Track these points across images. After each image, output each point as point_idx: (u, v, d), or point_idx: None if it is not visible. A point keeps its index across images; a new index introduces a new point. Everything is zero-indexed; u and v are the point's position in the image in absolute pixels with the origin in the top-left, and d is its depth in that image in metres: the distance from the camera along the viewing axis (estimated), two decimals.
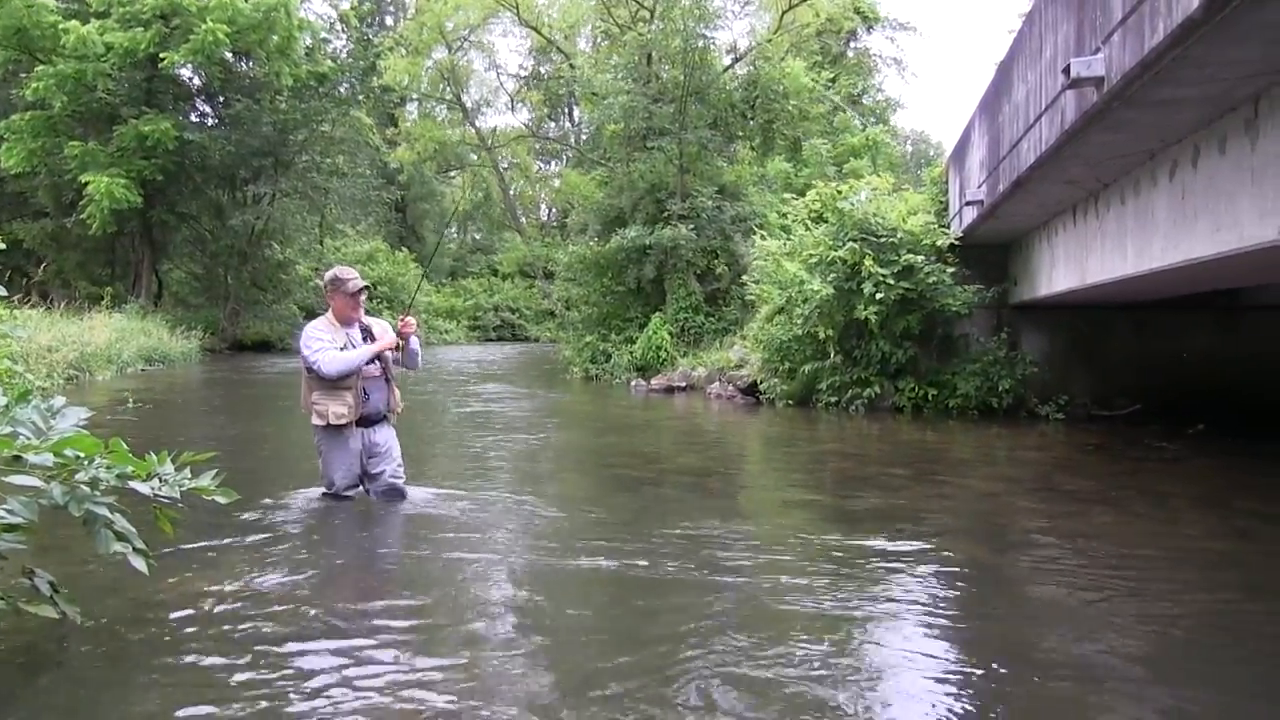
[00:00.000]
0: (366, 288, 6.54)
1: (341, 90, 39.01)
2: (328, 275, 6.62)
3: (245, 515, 6.22)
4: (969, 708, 3.54)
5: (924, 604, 4.74)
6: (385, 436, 6.68)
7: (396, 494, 6.68)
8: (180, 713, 3.34)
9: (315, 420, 6.41)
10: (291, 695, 3.47)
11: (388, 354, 6.55)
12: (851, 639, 4.26)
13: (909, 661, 3.97)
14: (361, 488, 6.67)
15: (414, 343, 6.68)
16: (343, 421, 6.33)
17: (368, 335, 6.55)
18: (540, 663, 3.87)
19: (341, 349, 6.34)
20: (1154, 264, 8.40)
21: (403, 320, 6.57)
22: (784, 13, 29.73)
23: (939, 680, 3.78)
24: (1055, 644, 4.18)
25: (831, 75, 32.53)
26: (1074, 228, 10.80)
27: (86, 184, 28.64)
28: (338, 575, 5.12)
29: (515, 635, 4.21)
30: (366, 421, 6.55)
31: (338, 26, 45.76)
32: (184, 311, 32.76)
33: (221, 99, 34.61)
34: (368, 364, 6.41)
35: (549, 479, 9.16)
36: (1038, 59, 8.16)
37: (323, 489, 6.67)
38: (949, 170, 14.84)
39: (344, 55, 43.08)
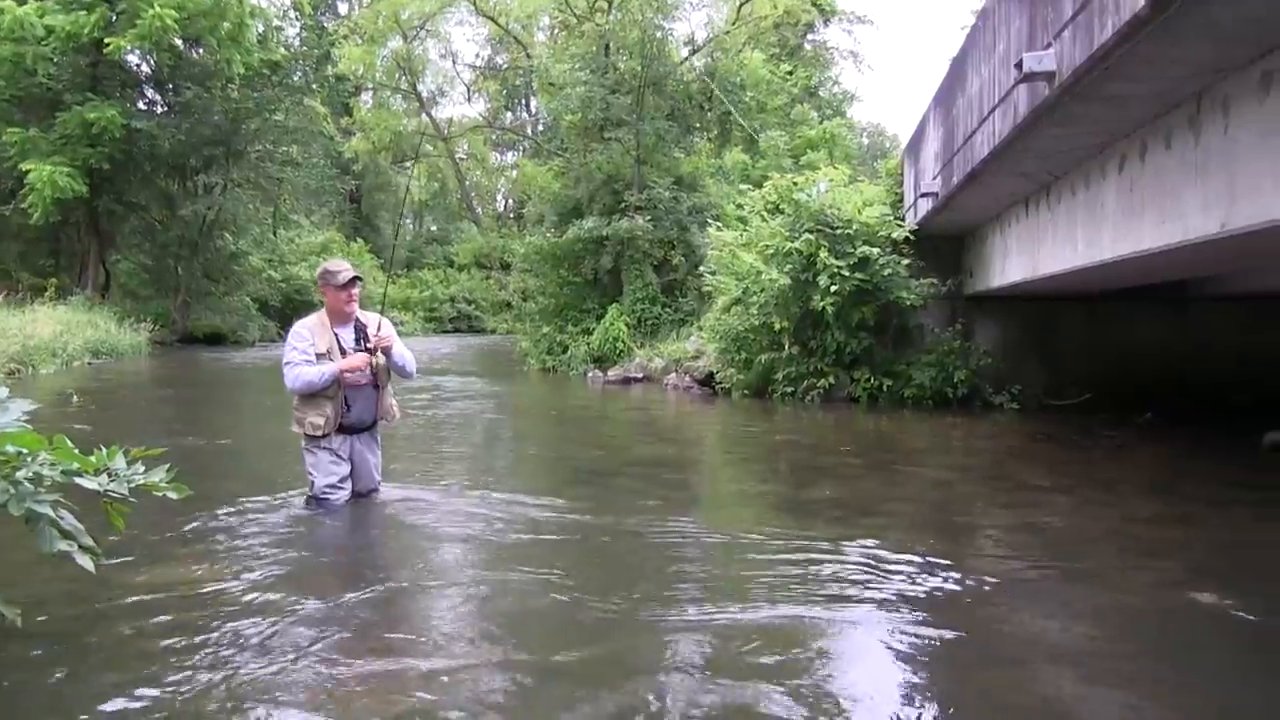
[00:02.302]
0: (358, 278, 6.11)
1: (295, 79, 38.65)
2: (318, 270, 6.30)
3: (197, 512, 6.12)
4: (922, 694, 3.57)
5: (877, 592, 4.76)
6: (367, 448, 6.35)
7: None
8: (123, 714, 3.29)
9: (294, 427, 6.15)
10: (241, 695, 3.43)
11: (383, 359, 6.11)
12: (805, 628, 4.28)
13: (862, 649, 4.00)
14: (345, 494, 6.21)
15: (396, 353, 6.17)
16: (318, 432, 6.04)
17: (362, 334, 6.15)
18: (492, 659, 3.85)
19: (322, 354, 5.97)
20: (1104, 255, 8.51)
21: (375, 336, 6.09)
22: (741, 5, 29.84)
23: (890, 667, 3.82)
24: (1007, 629, 4.23)
25: (789, 68, 32.63)
26: (1026, 219, 10.91)
27: (27, 172, 27.94)
28: (289, 573, 5.06)
29: (470, 629, 4.20)
30: (351, 430, 6.21)
31: (291, 14, 45.20)
32: (133, 303, 32.09)
33: (171, 86, 34.01)
34: (352, 373, 6.01)
35: (504, 472, 9.14)
36: (991, 54, 8.23)
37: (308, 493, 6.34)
38: (904, 163, 14.94)
39: (297, 43, 42.63)
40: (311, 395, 6.01)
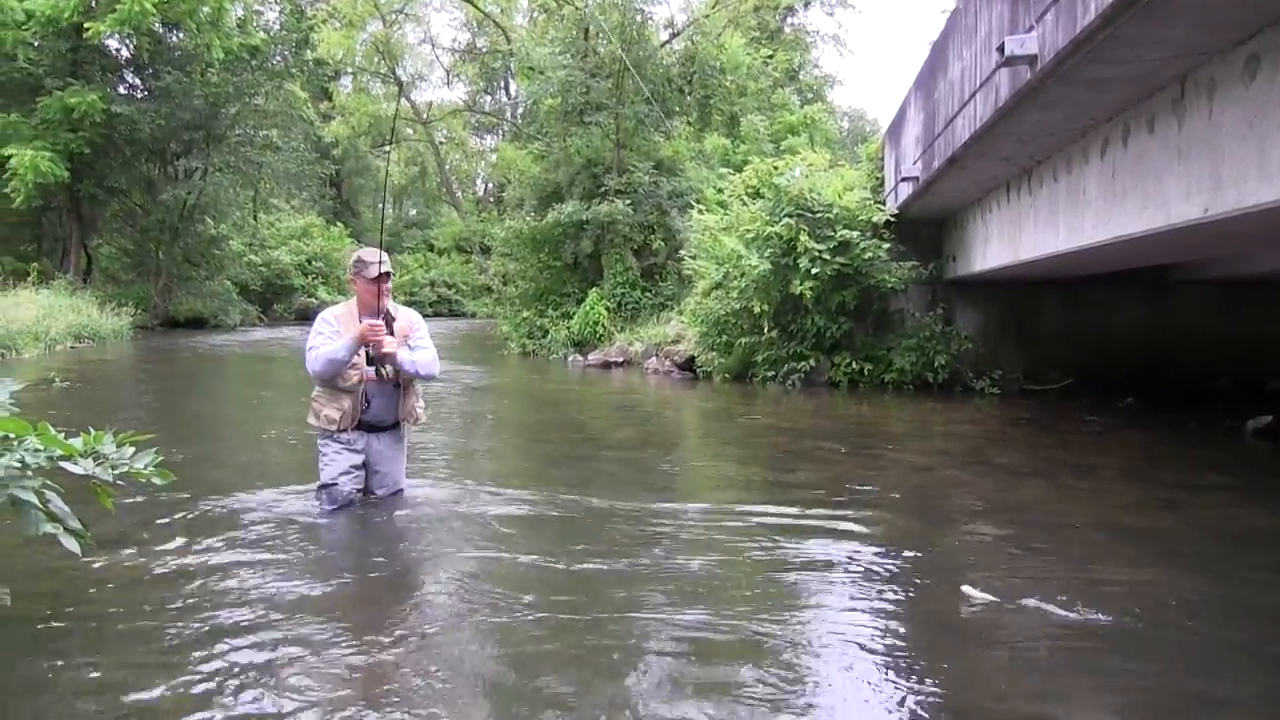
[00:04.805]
0: (387, 274, 5.79)
1: (275, 63, 38.35)
2: (352, 258, 5.97)
3: (183, 497, 6.11)
4: (900, 678, 3.60)
5: (857, 576, 4.80)
6: (387, 446, 6.08)
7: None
8: (112, 695, 3.30)
9: (310, 419, 5.93)
10: (227, 679, 3.43)
11: (403, 359, 5.75)
12: (784, 612, 4.31)
13: (840, 634, 4.02)
14: (353, 485, 5.92)
15: (406, 361, 5.80)
16: (333, 426, 5.82)
17: (390, 328, 5.78)
18: (473, 645, 3.86)
19: None
20: (1085, 240, 8.56)
21: (375, 338, 5.65)
22: None
23: (869, 651, 3.84)
24: (985, 613, 4.26)
25: (770, 51, 32.59)
26: (1008, 204, 10.95)
27: (9, 157, 27.80)
28: (275, 560, 5.06)
29: (454, 616, 4.22)
30: (370, 428, 5.97)
31: None
32: (114, 288, 31.98)
33: (151, 71, 33.73)
34: (371, 367, 5.77)
35: (485, 455, 9.14)
36: (973, 37, 8.25)
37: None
38: (885, 146, 14.97)
39: (277, 27, 42.28)
40: (332, 388, 5.79)
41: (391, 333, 5.78)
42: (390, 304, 5.90)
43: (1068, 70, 6.25)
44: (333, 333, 5.76)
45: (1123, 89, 6.79)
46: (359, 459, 5.96)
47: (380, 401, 5.93)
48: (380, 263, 5.77)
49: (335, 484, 5.84)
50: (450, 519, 5.91)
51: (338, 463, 5.87)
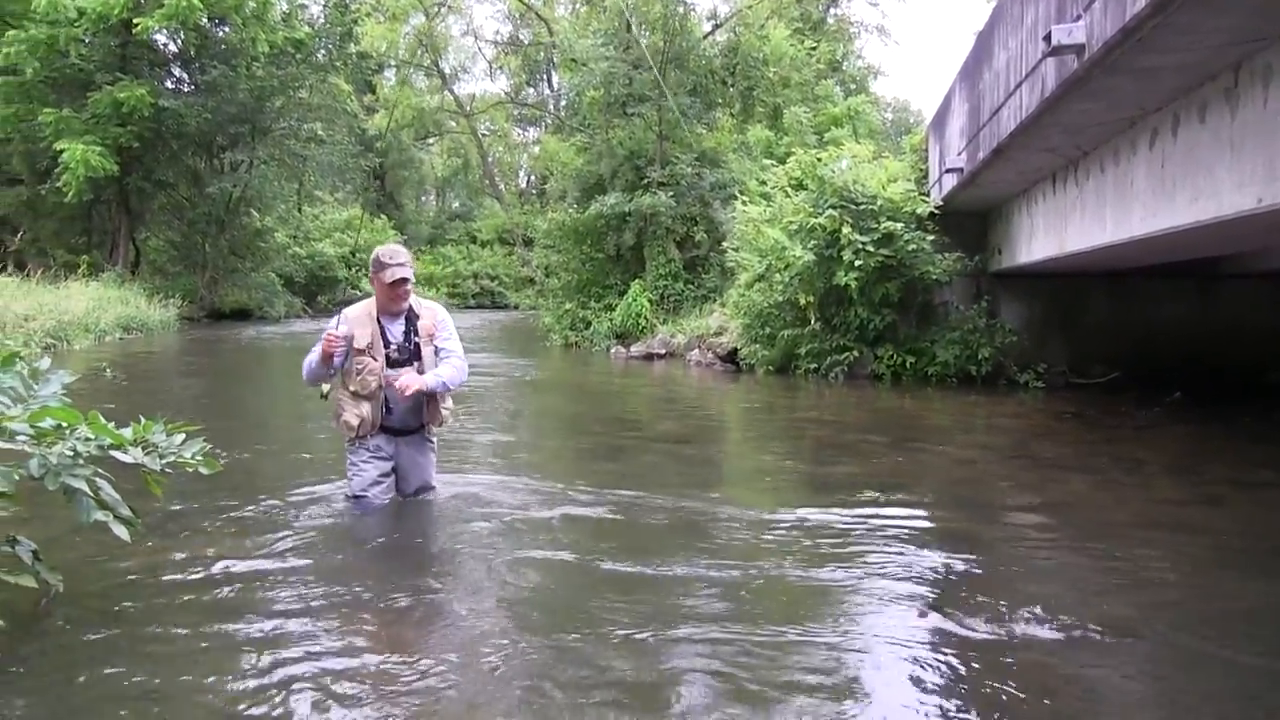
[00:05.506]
0: (405, 279, 5.47)
1: (319, 56, 38.61)
2: (372, 255, 5.65)
3: (230, 485, 6.19)
4: (947, 675, 3.57)
5: (900, 571, 4.77)
6: (415, 450, 5.87)
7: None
8: (163, 682, 3.35)
9: (332, 422, 5.78)
10: (277, 668, 3.47)
11: (432, 384, 5.51)
12: (829, 608, 4.30)
13: (885, 629, 4.00)
14: (383, 495, 5.74)
15: (432, 385, 5.54)
16: (352, 434, 5.62)
17: (413, 328, 5.63)
18: (518, 643, 3.87)
19: (361, 350, 5.52)
20: (1133, 233, 8.45)
21: (328, 349, 5.42)
22: None
23: (915, 648, 3.81)
24: (1031, 610, 4.20)
25: (813, 43, 32.40)
26: (1053, 196, 10.83)
27: (61, 151, 28.27)
28: (319, 550, 5.11)
29: (498, 614, 4.23)
30: (395, 433, 5.77)
31: None
32: (162, 280, 32.51)
33: (197, 65, 34.13)
34: (393, 370, 5.51)
35: (526, 449, 9.15)
36: (1019, 26, 8.16)
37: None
38: (929, 138, 14.84)
39: (321, 21, 42.59)
40: (352, 394, 5.59)
41: (415, 332, 5.61)
42: (413, 300, 5.69)
43: (1116, 60, 6.16)
44: (333, 335, 5.44)
45: (1173, 78, 6.68)
46: (388, 466, 5.78)
47: (405, 407, 5.67)
48: (399, 266, 5.48)
49: (365, 496, 5.68)
50: (490, 516, 5.80)
51: (367, 473, 5.70)
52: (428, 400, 5.72)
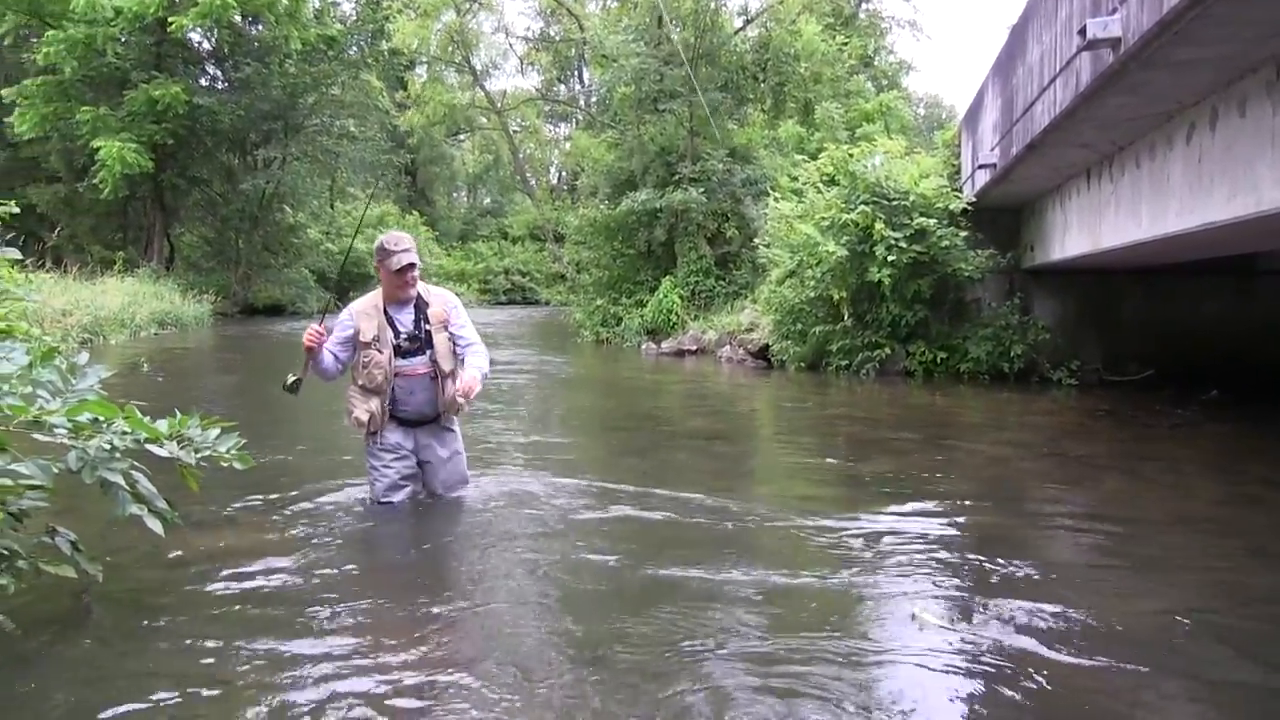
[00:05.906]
0: (412, 264, 5.38)
1: (350, 53, 38.91)
2: (375, 243, 5.51)
3: (266, 482, 6.23)
4: (979, 677, 3.55)
5: (932, 570, 4.74)
6: (436, 440, 5.70)
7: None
8: (201, 673, 3.38)
9: (345, 418, 5.58)
10: (310, 663, 3.49)
11: (470, 379, 5.34)
12: (860, 606, 4.27)
13: (918, 628, 3.97)
14: (404, 497, 5.63)
15: (472, 381, 5.38)
16: (363, 429, 5.51)
17: (422, 315, 5.49)
18: (546, 641, 3.88)
19: (368, 343, 5.42)
20: (1169, 229, 8.35)
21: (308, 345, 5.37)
22: None
23: (947, 649, 3.77)
24: (1064, 610, 4.15)
25: (845, 38, 32.23)
26: (1087, 192, 10.73)
27: (98, 149, 28.64)
28: (354, 548, 5.15)
29: (529, 613, 4.23)
30: (413, 424, 5.62)
31: None
32: (195, 275, 32.93)
33: (231, 63, 34.51)
34: (404, 360, 5.44)
35: (557, 445, 9.12)
36: (1053, 20, 8.08)
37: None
38: (961, 133, 14.74)
39: (353, 18, 42.87)
40: (360, 388, 5.47)
41: (426, 319, 5.48)
42: (421, 287, 5.57)
43: (1153, 53, 6.09)
44: (340, 333, 5.47)
45: (1211, 71, 6.59)
46: (410, 463, 5.65)
47: (418, 396, 5.53)
48: (405, 251, 5.36)
49: (390, 502, 5.57)
50: (522, 517, 5.72)
51: (387, 476, 5.57)
52: (441, 387, 5.53)
